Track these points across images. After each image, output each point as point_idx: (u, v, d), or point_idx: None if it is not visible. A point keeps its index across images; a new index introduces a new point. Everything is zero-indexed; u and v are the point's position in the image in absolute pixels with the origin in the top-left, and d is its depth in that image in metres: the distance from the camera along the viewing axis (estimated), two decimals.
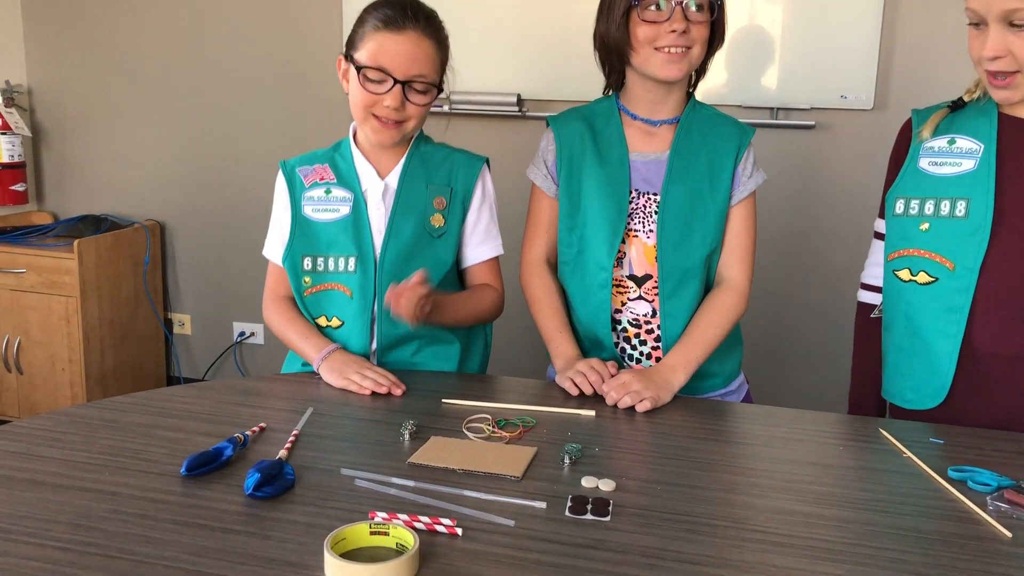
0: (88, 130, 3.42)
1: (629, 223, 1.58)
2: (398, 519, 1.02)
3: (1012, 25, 1.28)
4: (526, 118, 2.92)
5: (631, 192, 1.58)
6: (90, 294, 3.08)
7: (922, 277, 1.44)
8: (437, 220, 1.61)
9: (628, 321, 1.61)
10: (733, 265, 1.61)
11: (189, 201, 3.38)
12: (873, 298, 1.60)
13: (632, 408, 1.43)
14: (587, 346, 1.64)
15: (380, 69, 1.50)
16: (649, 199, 1.58)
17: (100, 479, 1.13)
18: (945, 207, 1.42)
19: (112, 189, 3.45)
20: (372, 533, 0.98)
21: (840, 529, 1.05)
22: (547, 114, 2.88)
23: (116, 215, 3.38)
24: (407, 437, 1.28)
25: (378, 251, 1.59)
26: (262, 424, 1.30)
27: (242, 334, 3.43)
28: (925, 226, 1.44)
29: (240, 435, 1.23)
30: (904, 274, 1.47)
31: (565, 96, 2.88)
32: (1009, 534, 1.04)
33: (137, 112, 3.36)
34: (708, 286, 1.62)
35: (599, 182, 1.58)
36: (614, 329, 1.61)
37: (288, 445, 1.23)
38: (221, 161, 3.32)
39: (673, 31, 1.47)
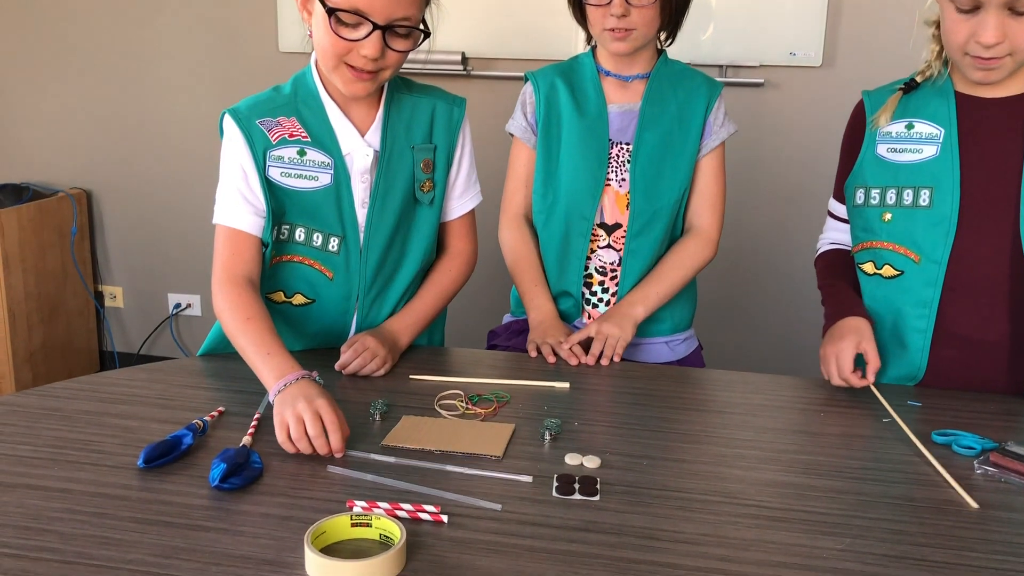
0: (4, 93, 3.22)
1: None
2: (379, 508, 0.96)
3: (1012, 11, 1.22)
4: (471, 77, 2.84)
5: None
6: (13, 268, 2.92)
7: (887, 271, 1.39)
8: (426, 186, 1.46)
9: (596, 269, 1.65)
10: (704, 213, 1.64)
11: (116, 167, 3.21)
12: (832, 247, 1.55)
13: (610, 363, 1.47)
14: (554, 294, 1.66)
15: (357, 12, 1.26)
16: (622, 148, 1.61)
17: (49, 475, 1.04)
18: (908, 196, 1.37)
19: (33, 156, 3.25)
20: (354, 525, 0.92)
21: (834, 500, 1.03)
22: (493, 73, 2.87)
23: (39, 183, 3.20)
24: (377, 417, 1.21)
25: (362, 229, 1.42)
26: (220, 408, 1.22)
27: (178, 306, 3.30)
28: (888, 216, 1.39)
29: (199, 421, 1.15)
30: (868, 267, 1.42)
31: (510, 54, 2.83)
32: (975, 505, 1.02)
33: (57, 72, 3.16)
34: (673, 233, 1.65)
35: (579, 134, 1.61)
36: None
37: (251, 431, 1.15)
38: (149, 123, 3.15)
39: (613, 15, 1.49)
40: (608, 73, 1.61)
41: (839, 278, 1.48)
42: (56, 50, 3.15)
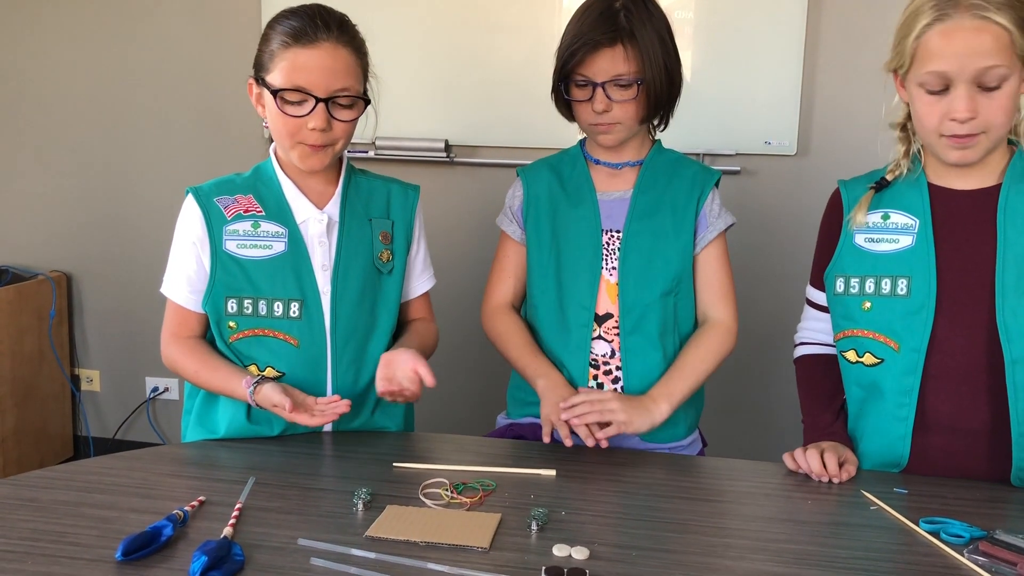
0: None
1: None
2: None
3: (981, 87, 1.26)
4: (454, 164, 2.88)
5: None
6: None
7: (868, 358, 1.40)
8: (385, 255, 1.52)
9: (588, 362, 1.60)
10: (716, 304, 1.61)
11: (97, 250, 3.20)
12: (811, 349, 1.57)
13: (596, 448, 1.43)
14: None
15: (298, 90, 1.38)
16: (612, 236, 1.59)
17: (23, 570, 1.01)
18: (886, 285, 1.39)
19: (13, 239, 3.24)
20: None
21: None
22: (476, 160, 2.92)
23: (18, 266, 3.18)
24: (361, 507, 1.19)
25: (324, 293, 1.47)
26: (201, 498, 1.20)
27: (155, 390, 3.25)
28: (867, 305, 1.40)
29: (179, 511, 1.13)
30: (851, 355, 1.43)
31: (493, 142, 2.87)
32: None
33: (39, 155, 3.18)
34: (667, 327, 1.59)
35: (573, 225, 1.61)
36: None
37: (232, 521, 1.13)
38: (131, 206, 3.15)
39: (595, 110, 1.52)
40: (598, 162, 1.61)
41: (820, 395, 1.52)
42: (37, 133, 3.17)
